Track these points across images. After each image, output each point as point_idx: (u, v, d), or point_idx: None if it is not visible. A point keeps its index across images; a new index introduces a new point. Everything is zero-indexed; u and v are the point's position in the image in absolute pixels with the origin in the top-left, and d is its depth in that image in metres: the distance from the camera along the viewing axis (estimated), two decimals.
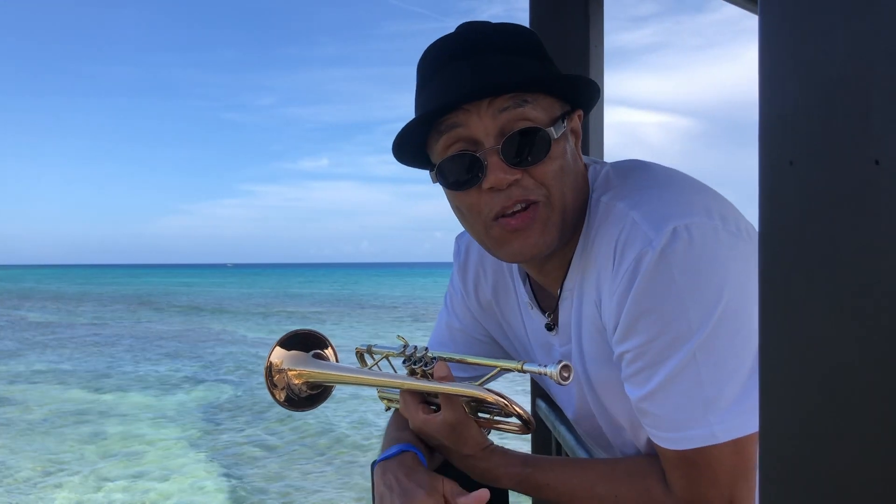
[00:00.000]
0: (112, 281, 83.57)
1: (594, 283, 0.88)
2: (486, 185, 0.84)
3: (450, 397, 0.89)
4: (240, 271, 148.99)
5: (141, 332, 22.75)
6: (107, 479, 7.57)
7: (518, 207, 0.85)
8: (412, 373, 0.94)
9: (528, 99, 0.84)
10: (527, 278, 1.04)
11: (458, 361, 0.96)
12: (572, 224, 0.90)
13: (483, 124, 0.84)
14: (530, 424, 0.91)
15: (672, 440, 0.80)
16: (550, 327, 0.99)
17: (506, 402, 0.89)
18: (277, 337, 1.08)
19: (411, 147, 0.93)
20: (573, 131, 0.91)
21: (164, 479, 7.65)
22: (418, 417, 0.93)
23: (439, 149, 0.88)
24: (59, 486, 7.29)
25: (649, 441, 0.87)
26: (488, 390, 0.89)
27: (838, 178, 0.31)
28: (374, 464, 0.98)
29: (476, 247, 1.08)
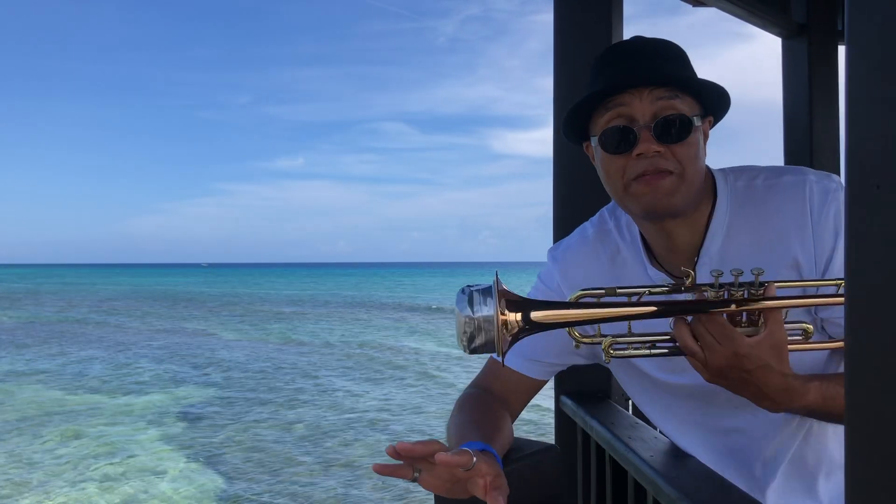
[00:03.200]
0: (75, 280, 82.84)
1: (761, 231, 1.10)
2: (636, 151, 1.05)
3: (776, 316, 0.93)
4: (215, 271, 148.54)
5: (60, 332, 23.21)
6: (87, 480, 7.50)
7: (652, 169, 1.06)
8: (729, 298, 0.92)
9: (679, 95, 1.06)
10: (651, 257, 1.20)
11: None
12: (696, 198, 1.10)
13: (642, 107, 1.06)
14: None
15: None
16: (682, 287, 1.04)
17: None
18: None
19: (577, 119, 1.13)
20: (704, 131, 1.12)
21: (147, 479, 7.59)
22: (744, 341, 0.92)
23: (602, 122, 1.09)
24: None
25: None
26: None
27: None
28: None
29: (578, 252, 1.27)
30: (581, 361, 1.28)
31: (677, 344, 0.97)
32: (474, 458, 0.93)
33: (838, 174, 1.16)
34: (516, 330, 0.91)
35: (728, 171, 1.17)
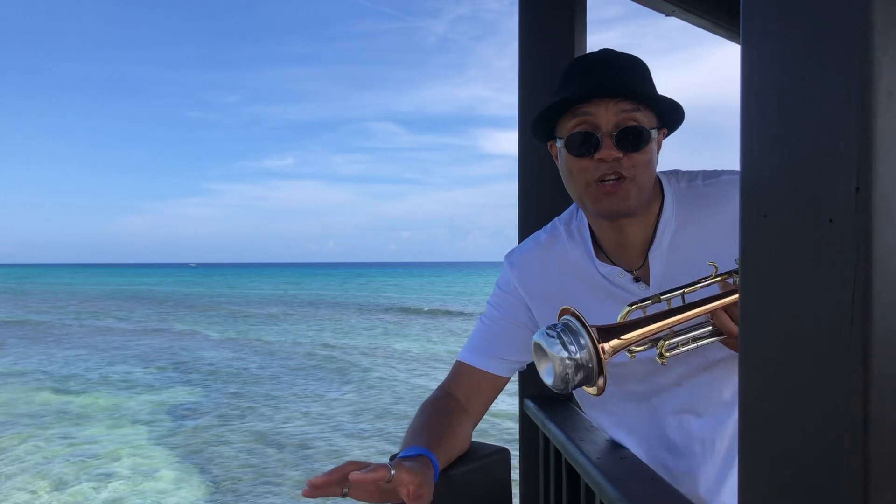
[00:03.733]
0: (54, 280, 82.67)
1: (702, 228, 1.21)
2: (597, 156, 1.15)
3: None
4: (203, 271, 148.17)
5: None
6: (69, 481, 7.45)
7: (613, 177, 1.15)
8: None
9: (640, 108, 1.16)
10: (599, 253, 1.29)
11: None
12: (646, 200, 1.21)
13: (606, 116, 1.15)
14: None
15: None
16: (637, 279, 1.24)
17: None
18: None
19: (544, 122, 1.23)
20: (658, 141, 1.22)
21: (135, 479, 7.55)
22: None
23: (569, 126, 1.18)
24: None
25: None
26: None
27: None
28: (392, 459, 1.05)
29: (532, 256, 1.35)
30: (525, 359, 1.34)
31: (715, 328, 1.03)
32: (392, 472, 0.97)
33: None
34: (612, 355, 0.94)
35: (670, 174, 1.29)
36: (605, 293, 1.25)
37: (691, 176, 1.28)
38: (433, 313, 31.68)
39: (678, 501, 0.99)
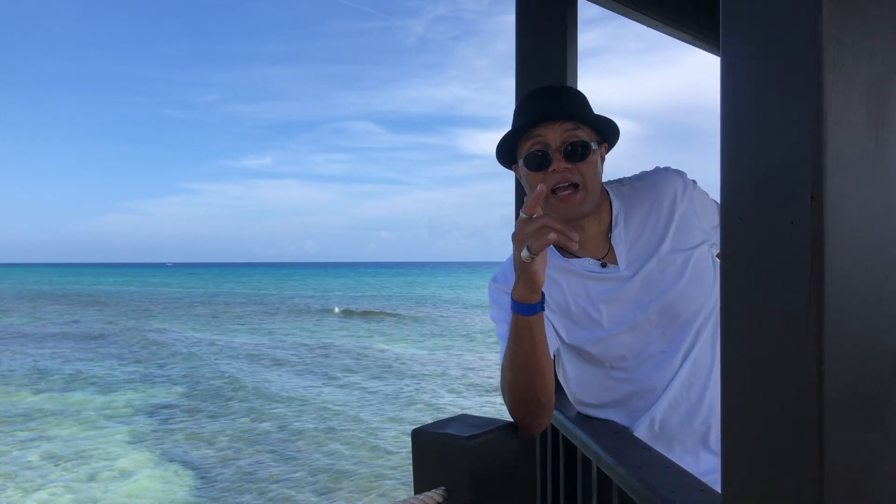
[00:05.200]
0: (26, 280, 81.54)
1: (647, 215, 1.50)
2: (550, 168, 1.39)
3: None
4: (179, 270, 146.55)
5: None
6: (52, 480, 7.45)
7: (566, 186, 1.39)
8: None
9: (580, 127, 1.41)
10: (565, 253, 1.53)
11: None
12: (597, 202, 1.46)
13: (554, 136, 1.40)
14: None
15: None
16: (604, 265, 1.49)
17: None
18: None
19: (506, 147, 1.48)
20: (601, 154, 1.48)
21: (118, 478, 7.56)
22: None
23: (525, 148, 1.43)
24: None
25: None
26: None
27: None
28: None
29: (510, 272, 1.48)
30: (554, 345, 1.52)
31: None
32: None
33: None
34: None
35: (612, 182, 1.57)
36: (583, 279, 1.49)
37: (626, 180, 1.58)
38: (329, 312, 33.16)
39: (665, 463, 1.13)
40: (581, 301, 1.48)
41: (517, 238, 1.21)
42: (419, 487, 1.14)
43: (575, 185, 1.39)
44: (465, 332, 23.40)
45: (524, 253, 1.19)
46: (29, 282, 76.70)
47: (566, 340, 1.48)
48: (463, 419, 1.20)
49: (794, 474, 0.60)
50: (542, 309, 1.27)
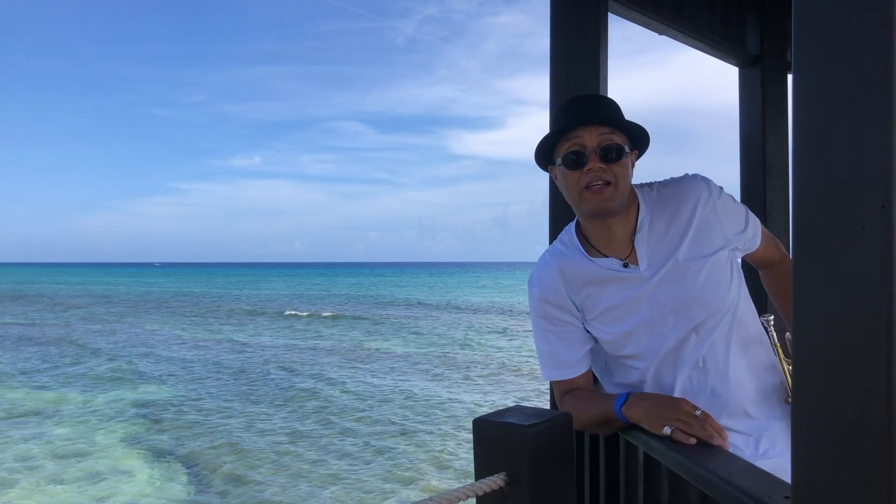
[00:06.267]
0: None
1: (670, 220, 1.60)
2: (586, 168, 1.52)
3: None
4: (167, 270, 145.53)
5: None
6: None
7: (599, 183, 1.52)
8: None
9: (615, 132, 1.54)
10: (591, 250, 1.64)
11: None
12: (626, 203, 1.58)
13: (591, 138, 1.52)
14: None
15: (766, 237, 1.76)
16: (626, 265, 1.59)
17: None
18: None
19: (545, 149, 1.60)
20: (632, 159, 1.60)
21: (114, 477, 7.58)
22: None
23: (564, 149, 1.55)
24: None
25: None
26: None
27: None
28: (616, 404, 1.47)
29: (546, 275, 1.67)
30: (591, 344, 1.66)
31: None
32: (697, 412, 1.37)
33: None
34: None
35: (641, 185, 1.67)
36: (605, 279, 1.60)
37: (655, 185, 1.68)
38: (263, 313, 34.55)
39: (717, 449, 1.22)
40: (603, 299, 1.59)
41: (675, 417, 1.34)
42: (480, 473, 1.22)
43: (607, 183, 1.51)
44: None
45: (666, 430, 1.33)
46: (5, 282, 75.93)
47: (593, 335, 1.62)
48: (520, 409, 1.28)
49: (864, 470, 0.65)
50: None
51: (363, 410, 11.66)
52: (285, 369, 16.11)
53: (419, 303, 42.17)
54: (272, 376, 15.11)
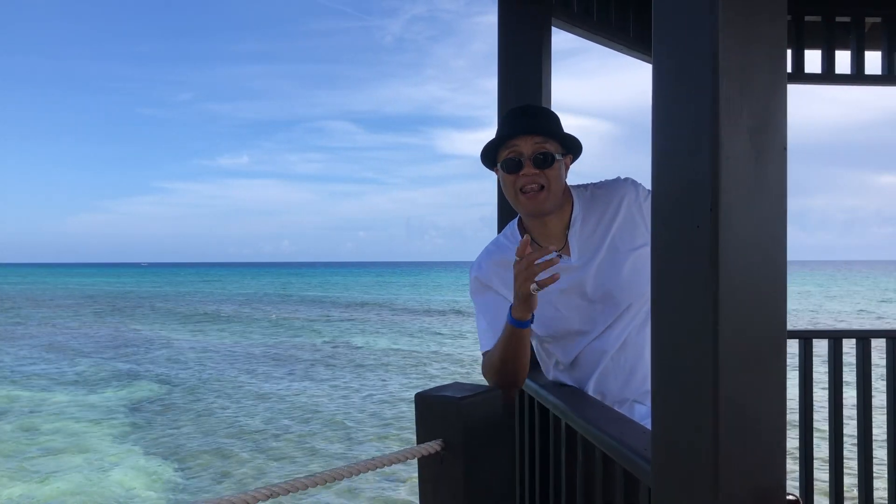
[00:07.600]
0: None
1: (599, 217, 1.79)
2: (521, 172, 1.71)
3: None
4: (153, 270, 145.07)
5: None
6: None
7: (534, 187, 1.71)
8: None
9: (549, 140, 1.73)
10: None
11: None
12: (559, 203, 1.77)
13: (526, 147, 1.72)
14: None
15: None
16: (560, 256, 1.76)
17: None
18: None
19: (488, 153, 1.79)
20: (566, 163, 1.79)
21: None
22: None
23: (503, 155, 1.75)
24: None
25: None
26: None
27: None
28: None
29: (486, 262, 1.87)
30: None
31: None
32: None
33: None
34: None
35: (577, 186, 1.87)
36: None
37: (588, 186, 1.88)
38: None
39: (614, 414, 1.42)
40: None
41: (523, 276, 1.52)
42: (421, 440, 1.40)
43: (541, 187, 1.70)
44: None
45: (533, 286, 1.51)
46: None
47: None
48: (457, 385, 1.45)
49: (698, 406, 0.84)
50: (532, 322, 1.61)
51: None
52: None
53: (358, 303, 41.70)
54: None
